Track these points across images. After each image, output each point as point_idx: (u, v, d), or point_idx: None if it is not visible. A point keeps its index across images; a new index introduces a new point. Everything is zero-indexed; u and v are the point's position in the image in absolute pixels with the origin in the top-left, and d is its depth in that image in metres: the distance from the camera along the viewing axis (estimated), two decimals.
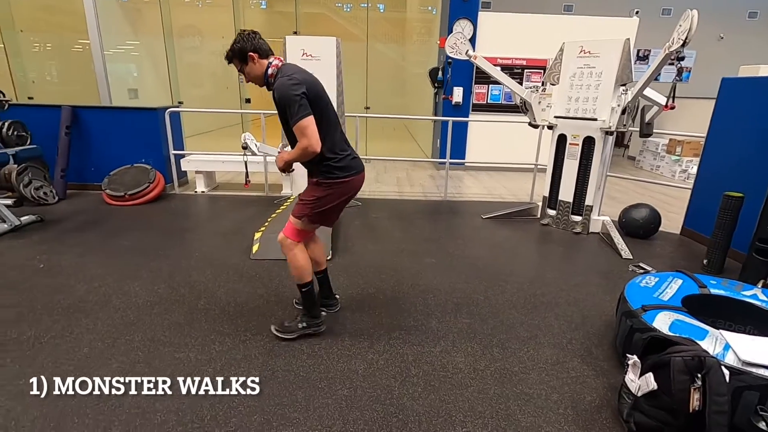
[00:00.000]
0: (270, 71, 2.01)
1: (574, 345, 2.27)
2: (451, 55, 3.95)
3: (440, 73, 6.57)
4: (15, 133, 4.59)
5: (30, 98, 7.61)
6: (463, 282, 2.98)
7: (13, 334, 2.22)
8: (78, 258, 3.19)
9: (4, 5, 7.30)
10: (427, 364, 2.08)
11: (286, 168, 2.15)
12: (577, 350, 2.22)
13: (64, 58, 7.85)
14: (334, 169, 2.06)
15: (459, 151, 6.53)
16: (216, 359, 2.07)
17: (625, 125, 3.57)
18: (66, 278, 2.86)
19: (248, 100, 7.83)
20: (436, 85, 6.74)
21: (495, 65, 4.28)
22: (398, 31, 8.94)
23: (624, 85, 3.58)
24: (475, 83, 6.48)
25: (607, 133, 3.72)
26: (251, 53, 1.99)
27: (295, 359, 2.08)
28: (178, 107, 5.36)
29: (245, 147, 3.42)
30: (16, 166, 4.36)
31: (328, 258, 3.23)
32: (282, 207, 4.19)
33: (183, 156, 5.16)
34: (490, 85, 6.51)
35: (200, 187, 5.20)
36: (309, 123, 1.88)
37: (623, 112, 3.53)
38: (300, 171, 4.43)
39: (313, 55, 4.06)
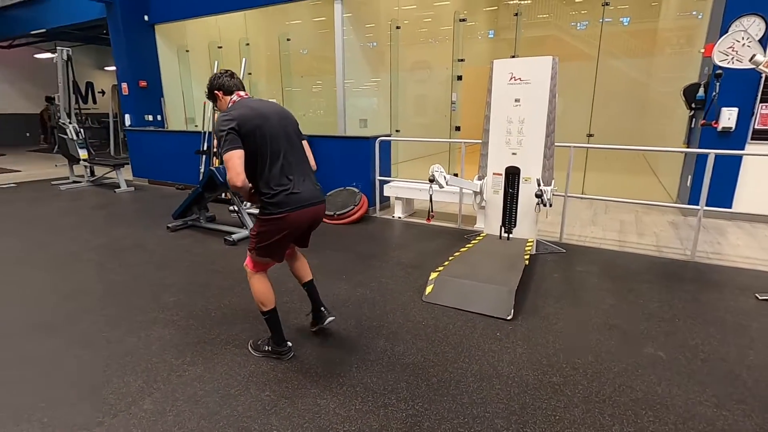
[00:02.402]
0: (229, 106, 2.14)
1: None
2: (721, 64, 2.81)
3: (701, 90, 4.98)
4: None
5: None
6: (713, 405, 1.94)
7: (212, 334, 2.57)
8: (282, 268, 3.59)
9: (286, 59, 9.49)
10: None
11: (251, 200, 2.20)
12: None
13: (329, 96, 9.60)
14: (267, 204, 2.07)
15: (723, 193, 4.77)
16: (353, 419, 1.86)
17: None
18: None
19: (458, 128, 7.83)
20: (693, 106, 5.15)
21: None
22: (644, 44, 7.42)
23: None
24: (761, 101, 4.63)
25: None
26: (216, 91, 2.20)
27: None
28: (389, 136, 5.71)
29: (432, 180, 3.23)
30: None
31: (508, 318, 2.69)
32: (471, 243, 3.82)
33: (387, 182, 5.42)
34: None
35: (398, 212, 5.35)
36: (230, 157, 1.94)
37: None
38: (494, 208, 3.99)
39: (522, 78, 3.57)
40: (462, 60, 7.58)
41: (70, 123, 7.33)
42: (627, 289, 3.16)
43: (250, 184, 2.06)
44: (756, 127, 4.69)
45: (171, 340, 2.50)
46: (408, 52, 8.68)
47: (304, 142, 2.30)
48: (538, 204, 3.47)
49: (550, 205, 3.62)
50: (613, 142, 5.72)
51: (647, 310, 2.85)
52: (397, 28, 7.98)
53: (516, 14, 6.93)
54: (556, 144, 3.76)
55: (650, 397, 1.99)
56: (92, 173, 7.93)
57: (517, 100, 3.65)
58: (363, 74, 8.65)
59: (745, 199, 4.78)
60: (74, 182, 7.71)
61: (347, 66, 7.54)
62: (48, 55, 13.79)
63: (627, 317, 2.75)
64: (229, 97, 2.19)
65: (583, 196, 5.21)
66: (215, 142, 6.31)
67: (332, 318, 2.51)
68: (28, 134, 15.40)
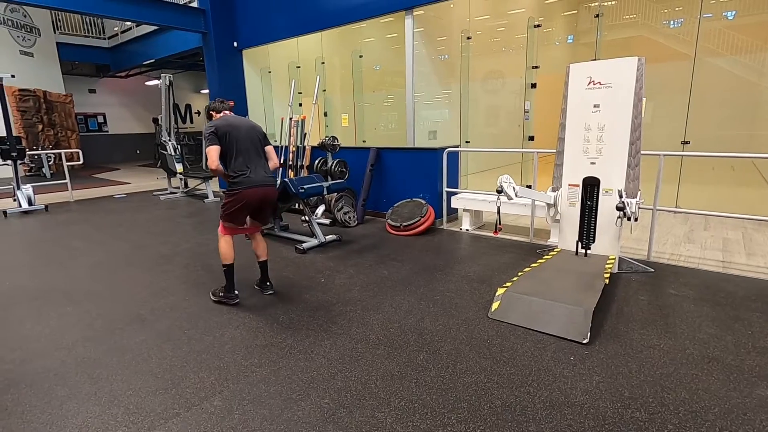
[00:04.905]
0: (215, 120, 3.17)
1: None
2: None
3: None
4: (339, 169, 5.93)
5: (363, 141, 9.86)
6: None
7: (278, 338, 2.67)
8: (347, 279, 3.66)
9: (358, 75, 9.82)
10: None
11: (225, 179, 3.09)
12: None
13: (401, 109, 9.76)
14: (231, 183, 3.05)
15: None
16: None
17: None
18: (332, 296, 3.30)
19: (531, 138, 7.48)
20: None
21: None
22: (754, 39, 6.53)
23: None
24: None
25: None
26: (211, 111, 3.24)
27: None
28: (457, 147, 5.62)
29: (500, 191, 3.09)
30: (335, 194, 5.62)
31: (584, 341, 2.46)
32: (543, 259, 3.58)
33: (455, 193, 5.32)
34: None
35: (465, 224, 5.21)
36: (209, 151, 2.93)
37: None
38: (569, 221, 3.72)
39: (602, 82, 3.31)
40: (536, 67, 7.27)
41: (170, 140, 8.23)
42: (732, 318, 2.74)
43: (224, 170, 3.02)
44: None
45: (242, 341, 2.64)
46: (480, 62, 8.53)
47: (269, 147, 3.25)
48: (619, 218, 3.16)
49: (636, 219, 3.28)
50: (715, 150, 5.09)
51: (759, 343, 2.44)
52: (468, 38, 7.89)
53: (597, 16, 6.50)
54: (642, 152, 3.42)
55: None
56: (186, 185, 8.81)
57: (596, 106, 3.39)
58: (433, 87, 8.65)
59: None
60: (171, 193, 8.61)
61: (418, 79, 7.58)
62: (155, 82, 15.70)
63: (732, 350, 2.37)
64: (219, 115, 3.19)
65: (677, 209, 4.67)
66: (291, 155, 6.70)
67: (272, 293, 3.35)
68: (138, 151, 17.59)
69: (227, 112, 3.23)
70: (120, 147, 17.11)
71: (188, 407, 2.04)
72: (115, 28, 13.73)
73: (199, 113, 19.06)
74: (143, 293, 3.50)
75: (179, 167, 8.20)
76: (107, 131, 16.93)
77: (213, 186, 8.20)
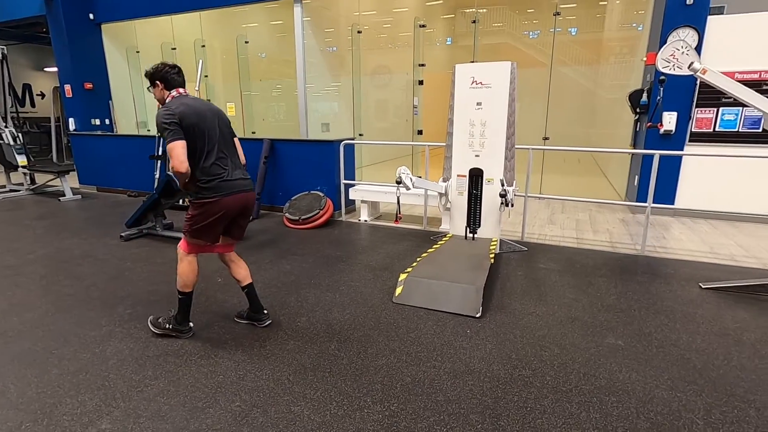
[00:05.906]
0: (168, 100, 2.35)
1: None
2: (664, 70, 3.03)
3: (644, 95, 5.35)
4: None
5: (253, 133, 9.37)
6: (667, 387, 2.07)
7: (175, 346, 2.44)
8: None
9: (244, 62, 9.26)
10: None
11: (185, 187, 2.35)
12: None
13: (290, 100, 9.44)
14: (203, 189, 2.31)
15: (666, 191, 5.13)
16: (329, 424, 1.82)
17: None
18: (231, 296, 3.12)
19: (420, 132, 7.95)
20: (638, 110, 5.52)
21: None
22: (591, 53, 7.87)
23: None
24: (696, 106, 5.03)
25: None
26: (158, 81, 2.38)
27: None
28: (352, 140, 5.70)
29: (399, 182, 3.25)
30: None
31: (477, 315, 2.74)
32: (437, 244, 3.87)
33: (352, 185, 5.40)
34: (721, 108, 4.95)
35: (364, 215, 5.34)
36: (174, 146, 2.16)
37: None
38: (458, 209, 4.07)
39: (483, 82, 3.69)
40: (423, 65, 7.71)
41: (6, 127, 6.78)
42: (586, 284, 3.32)
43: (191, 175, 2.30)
44: (693, 130, 5.09)
45: (130, 354, 2.35)
46: (369, 56, 8.72)
47: (235, 139, 2.56)
48: (502, 204, 3.58)
49: (512, 205, 3.74)
50: (566, 146, 6.03)
51: (605, 302, 3.00)
52: (359, 32, 8.01)
53: (474, 21, 7.15)
54: (516, 146, 3.90)
55: (613, 384, 2.09)
56: (32, 181, 7.37)
57: (479, 104, 3.76)
58: (324, 78, 8.60)
59: (685, 196, 5.17)
60: (12, 191, 7.12)
61: (308, 70, 7.47)
62: None
63: (588, 310, 2.88)
64: (168, 92, 2.39)
65: (542, 195, 5.44)
66: None
67: (270, 322, 2.68)
68: None
69: (182, 90, 2.39)
70: None
71: None
72: None
73: (42, 95, 15.96)
74: None
75: (21, 160, 6.82)
76: None
77: (71, 181, 6.99)
